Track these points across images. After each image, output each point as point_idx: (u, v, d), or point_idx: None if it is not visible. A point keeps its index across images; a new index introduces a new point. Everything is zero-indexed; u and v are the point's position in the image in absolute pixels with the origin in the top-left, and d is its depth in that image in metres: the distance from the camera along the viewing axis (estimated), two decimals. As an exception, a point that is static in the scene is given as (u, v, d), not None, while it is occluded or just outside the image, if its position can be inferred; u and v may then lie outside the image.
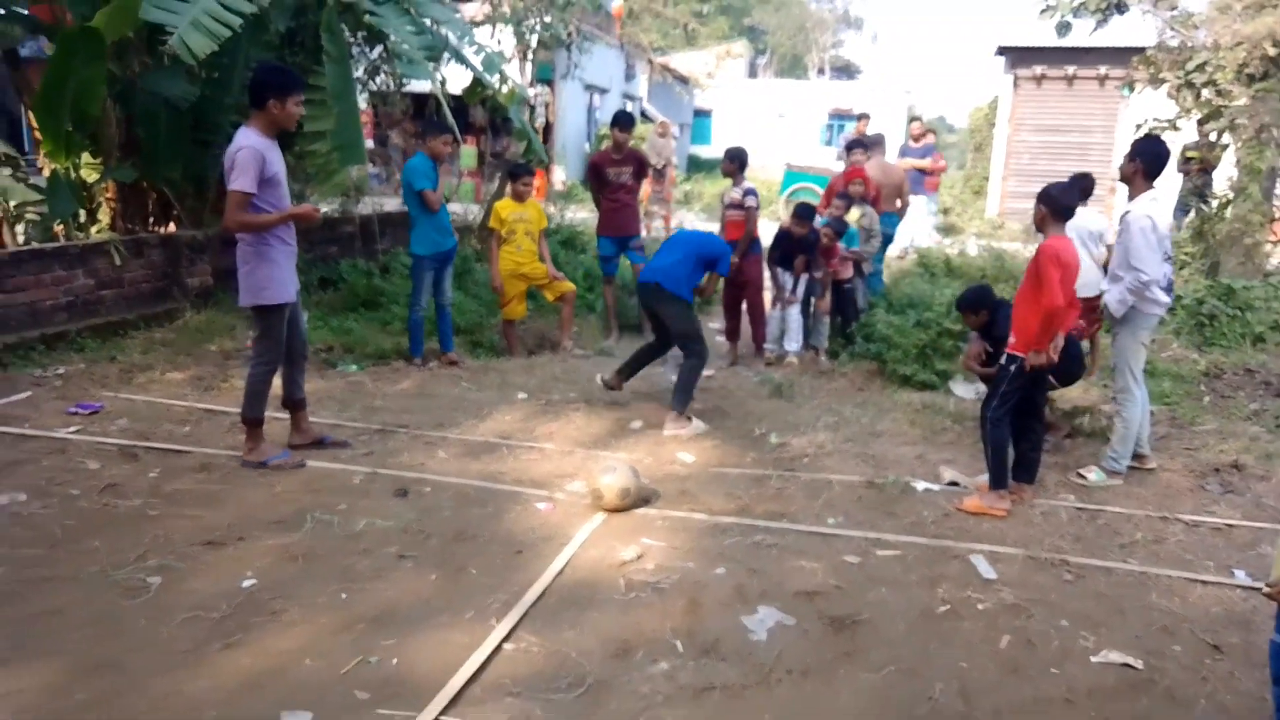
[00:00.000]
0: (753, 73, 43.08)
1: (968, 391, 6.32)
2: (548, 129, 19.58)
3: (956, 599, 3.55)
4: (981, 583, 3.70)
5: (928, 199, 15.04)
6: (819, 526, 4.19)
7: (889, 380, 6.72)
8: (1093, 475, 4.86)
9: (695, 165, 28.33)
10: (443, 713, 2.72)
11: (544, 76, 19.16)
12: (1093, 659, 3.15)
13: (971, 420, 5.68)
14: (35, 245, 7.01)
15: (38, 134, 8.09)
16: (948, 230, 15.77)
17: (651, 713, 2.78)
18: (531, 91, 15.95)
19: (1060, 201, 4.44)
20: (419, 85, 11.58)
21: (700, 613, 3.38)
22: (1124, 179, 4.90)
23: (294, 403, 4.95)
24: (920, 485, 4.71)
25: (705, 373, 6.66)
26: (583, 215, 13.94)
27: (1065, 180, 5.30)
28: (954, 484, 4.75)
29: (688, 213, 18.13)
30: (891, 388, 6.59)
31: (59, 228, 7.83)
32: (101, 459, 4.66)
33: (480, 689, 2.87)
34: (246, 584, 3.44)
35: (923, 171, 13.75)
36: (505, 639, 3.14)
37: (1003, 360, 4.49)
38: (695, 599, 3.47)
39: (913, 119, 15.42)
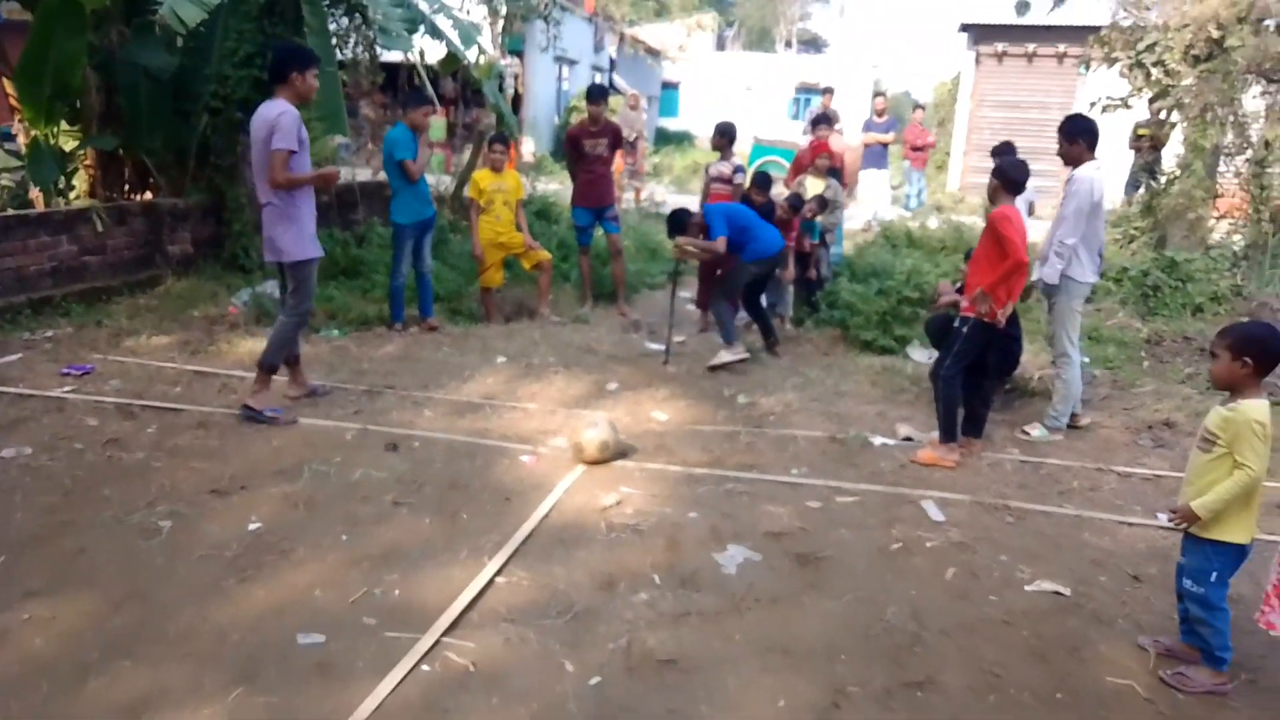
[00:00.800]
0: (721, 45, 43.09)
1: (923, 356, 6.67)
2: (517, 100, 19.65)
3: (909, 538, 3.90)
4: (931, 524, 4.05)
5: (916, 174, 15.36)
6: (785, 476, 4.52)
7: (851, 345, 7.06)
8: (1035, 431, 5.24)
9: (663, 138, 28.47)
10: (444, 635, 3.01)
11: (514, 48, 19.22)
12: (1028, 588, 3.52)
13: (927, 383, 6.04)
14: (20, 212, 7.10)
15: (13, 101, 8.14)
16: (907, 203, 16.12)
17: (634, 635, 3.09)
18: (502, 63, 16.04)
19: (1010, 175, 4.78)
20: (390, 56, 11.71)
21: (677, 551, 3.69)
22: (1069, 161, 5.21)
23: (293, 357, 5.21)
24: (878, 440, 5.06)
25: (677, 339, 6.99)
26: (554, 187, 14.13)
27: (1018, 157, 5.64)
28: (909, 439, 5.11)
29: (657, 185, 18.35)
30: (854, 352, 6.93)
31: (37, 195, 7.92)
32: (100, 416, 4.86)
33: (477, 615, 3.17)
34: (253, 527, 3.70)
35: (884, 145, 14.10)
36: (498, 573, 3.43)
37: (956, 323, 4.83)
38: (672, 539, 3.78)
39: (876, 94, 15.74)
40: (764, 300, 7.18)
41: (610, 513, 4.01)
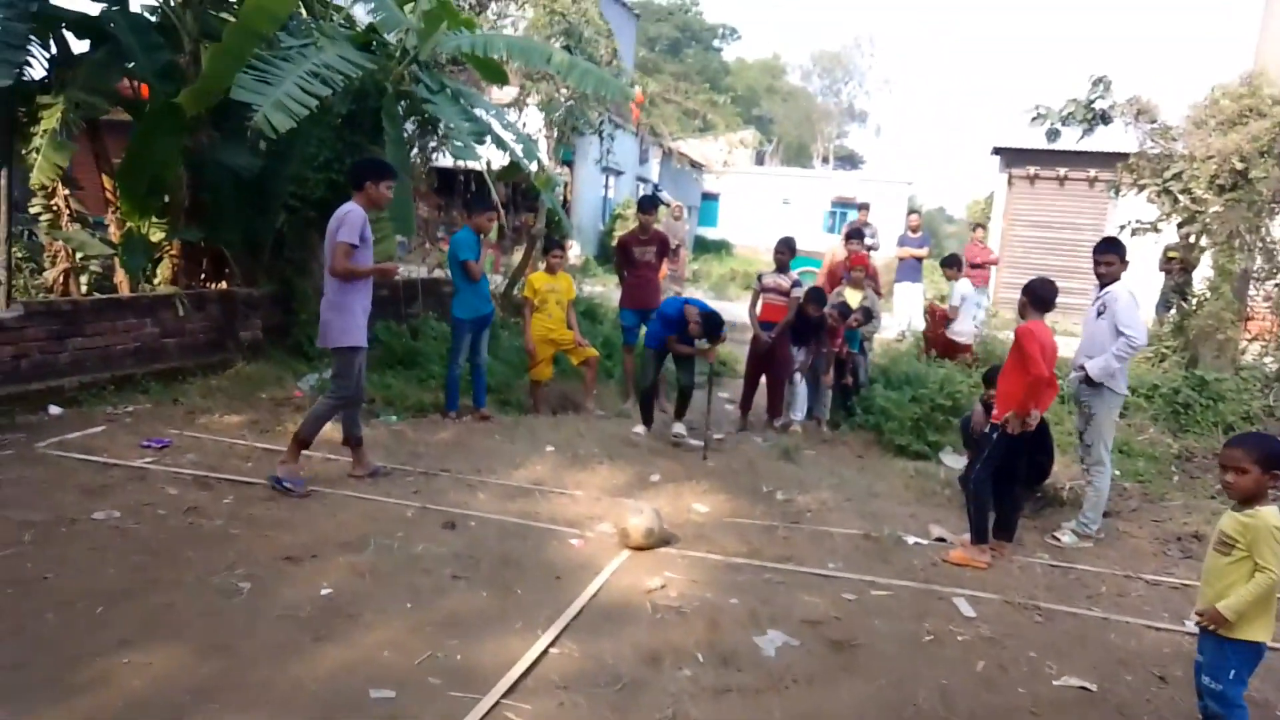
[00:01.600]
0: (760, 160, 44.60)
1: (956, 462, 6.88)
2: (565, 207, 20.56)
3: (940, 631, 4.07)
4: (963, 619, 4.22)
5: (976, 290, 15.35)
6: (821, 569, 4.73)
7: (885, 449, 7.30)
8: (1066, 538, 5.41)
9: (701, 246, 29.33)
10: (503, 697, 3.24)
11: (565, 158, 20.18)
12: (1055, 682, 3.67)
13: (958, 487, 6.25)
14: (112, 296, 7.66)
15: (109, 194, 8.86)
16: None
17: (679, 707, 3.29)
18: (558, 174, 16.93)
19: (1039, 293, 5.11)
20: (443, 161, 12.52)
21: (718, 632, 3.90)
22: (1110, 279, 5.57)
23: (354, 439, 5.59)
24: (911, 539, 5.26)
25: (716, 435, 7.27)
26: (598, 289, 14.68)
27: (1047, 277, 5.96)
28: (941, 539, 5.30)
29: (695, 290, 18.91)
30: (888, 455, 7.17)
31: (120, 280, 8.52)
32: (179, 486, 5.22)
33: (532, 682, 3.39)
34: (325, 592, 3.98)
35: (918, 260, 14.52)
36: (551, 644, 3.66)
37: (986, 429, 5.08)
38: (714, 620, 4.00)
39: (911, 211, 16.28)
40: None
41: (655, 594, 4.24)
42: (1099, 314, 5.57)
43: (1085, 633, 4.18)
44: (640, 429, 7.25)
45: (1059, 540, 5.40)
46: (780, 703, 3.38)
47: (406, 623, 3.76)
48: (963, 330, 10.06)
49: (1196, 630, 3.43)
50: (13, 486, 4.97)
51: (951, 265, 10.64)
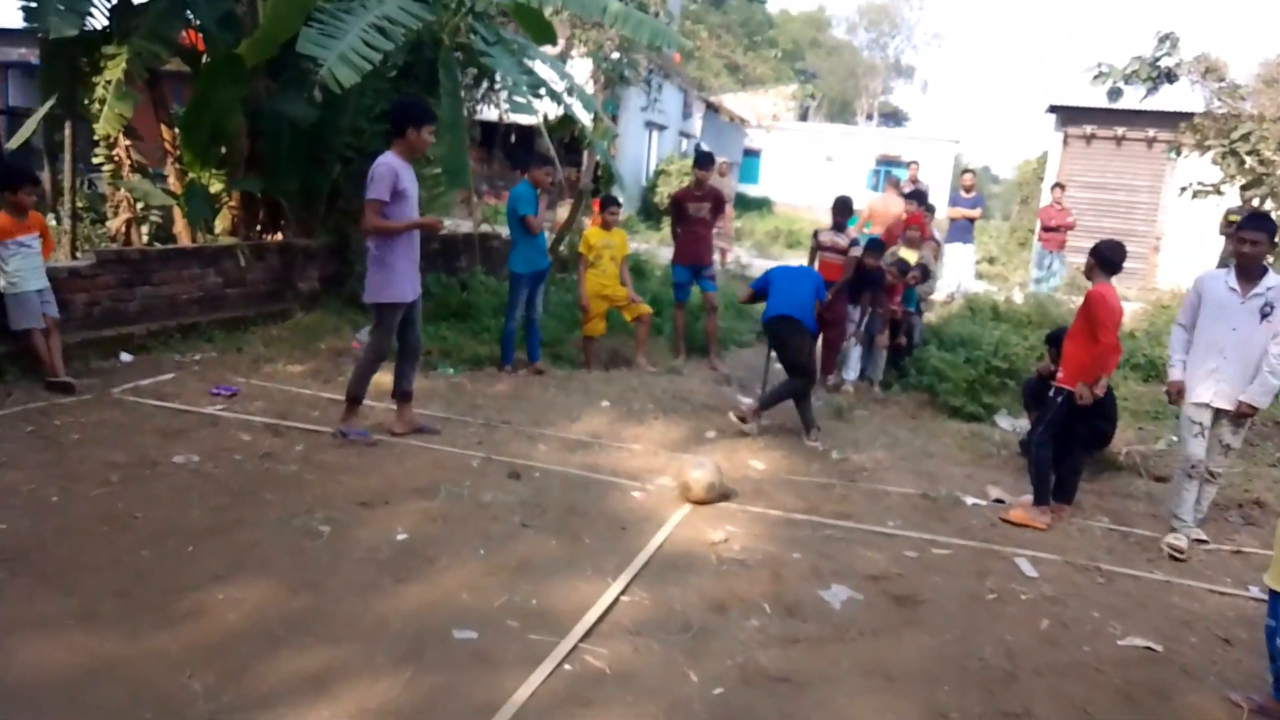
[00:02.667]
0: (803, 115, 43.92)
1: (1010, 424, 6.86)
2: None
3: (1003, 589, 4.12)
4: (1024, 579, 4.26)
5: (1047, 256, 14.86)
6: (879, 526, 4.78)
7: (939, 410, 7.29)
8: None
9: (742, 204, 29.00)
10: (580, 641, 3.34)
11: (609, 111, 20.04)
12: (1119, 642, 3.71)
13: (1014, 449, 6.26)
14: (177, 245, 7.82)
15: (167, 145, 8.99)
16: (992, 278, 16.25)
17: (749, 654, 3.38)
18: (589, 122, 16.84)
19: (1107, 255, 5.04)
20: (487, 114, 12.52)
21: (782, 584, 3.98)
22: (1252, 261, 4.65)
23: (402, 393, 5.64)
24: (969, 500, 5.29)
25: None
26: (642, 246, 14.67)
27: (1115, 239, 5.86)
28: (999, 501, 5.32)
29: (739, 248, 18.81)
30: (941, 417, 7.16)
31: (179, 230, 8.69)
32: (251, 433, 5.38)
33: (606, 627, 3.50)
34: (400, 536, 4.11)
35: (970, 220, 14.31)
36: (622, 592, 3.76)
37: (1050, 393, 5.07)
38: (777, 573, 4.08)
39: (965, 171, 15.96)
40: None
41: (718, 547, 4.33)
42: (1264, 314, 4.59)
43: (1147, 595, 4.21)
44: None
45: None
46: (847, 653, 3.46)
47: (481, 567, 3.87)
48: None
49: (1264, 595, 3.45)
50: (95, 429, 5.16)
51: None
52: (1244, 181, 10.43)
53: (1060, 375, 5.03)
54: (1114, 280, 5.06)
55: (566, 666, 3.17)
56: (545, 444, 5.66)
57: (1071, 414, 5.02)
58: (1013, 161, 29.13)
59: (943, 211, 15.26)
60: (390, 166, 5.18)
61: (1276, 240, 4.76)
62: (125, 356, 6.67)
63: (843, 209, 8.01)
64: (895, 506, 5.12)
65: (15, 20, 7.68)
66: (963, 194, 14.22)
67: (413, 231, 5.39)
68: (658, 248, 14.78)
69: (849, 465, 5.83)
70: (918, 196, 9.63)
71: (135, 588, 3.42)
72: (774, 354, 6.85)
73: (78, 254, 7.93)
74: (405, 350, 5.64)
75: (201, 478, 4.60)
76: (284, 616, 3.31)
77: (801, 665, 3.33)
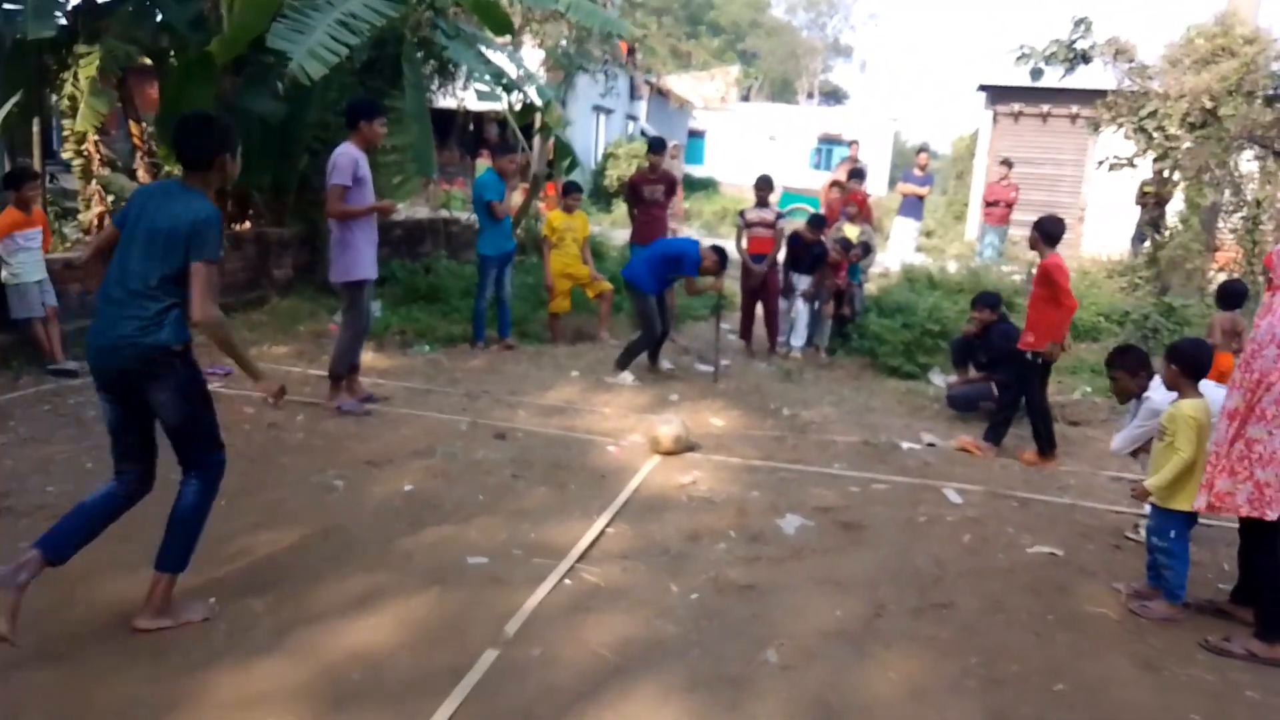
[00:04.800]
0: (745, 96, 44.61)
1: (942, 380, 7.57)
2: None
3: (933, 515, 4.78)
4: (951, 506, 4.94)
5: (989, 230, 15.32)
6: (827, 469, 5.42)
7: (879, 371, 7.99)
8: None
9: (689, 185, 29.52)
10: (576, 563, 3.92)
11: (558, 98, 20.43)
12: (1029, 550, 4.40)
13: (944, 402, 6.97)
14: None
15: (136, 140, 9.28)
16: (929, 250, 17.07)
17: (720, 570, 3.98)
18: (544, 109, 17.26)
19: (1049, 229, 5.76)
20: (442, 103, 12.90)
21: (746, 517, 4.59)
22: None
23: (351, 367, 6.06)
24: (905, 444, 5.96)
25: (724, 362, 7.91)
26: (596, 228, 15.16)
27: (1054, 214, 6.48)
28: (932, 444, 6.00)
29: (686, 228, 19.39)
30: (881, 376, 7.86)
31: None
32: (252, 406, 5.83)
33: (597, 553, 4.07)
34: (407, 489, 4.64)
35: (919, 198, 15.02)
36: (607, 525, 4.34)
37: (1029, 356, 5.79)
38: (740, 508, 4.69)
39: (919, 150, 16.66)
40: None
41: (688, 489, 4.93)
42: None
43: (1055, 515, 4.91)
44: (628, 376, 7.22)
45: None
46: (802, 567, 4.08)
47: (483, 511, 4.42)
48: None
49: (1148, 509, 4.14)
50: (108, 408, 5.55)
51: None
52: (1154, 155, 11.30)
53: (1031, 340, 5.72)
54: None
55: (567, 582, 3.74)
56: (524, 410, 6.20)
57: (1038, 370, 5.75)
58: (949, 138, 30.12)
59: (885, 188, 15.98)
60: (350, 156, 5.64)
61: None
62: (118, 343, 7.02)
63: (764, 185, 8.62)
64: (841, 453, 5.77)
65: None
66: (916, 172, 14.94)
67: (371, 215, 5.86)
68: (610, 229, 15.30)
69: (799, 421, 6.47)
70: (857, 175, 10.29)
71: (185, 535, 3.90)
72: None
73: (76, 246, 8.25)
74: None
75: (217, 447, 5.04)
76: (321, 553, 3.84)
77: (764, 577, 3.94)
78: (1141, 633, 3.66)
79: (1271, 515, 3.45)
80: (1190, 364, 3.86)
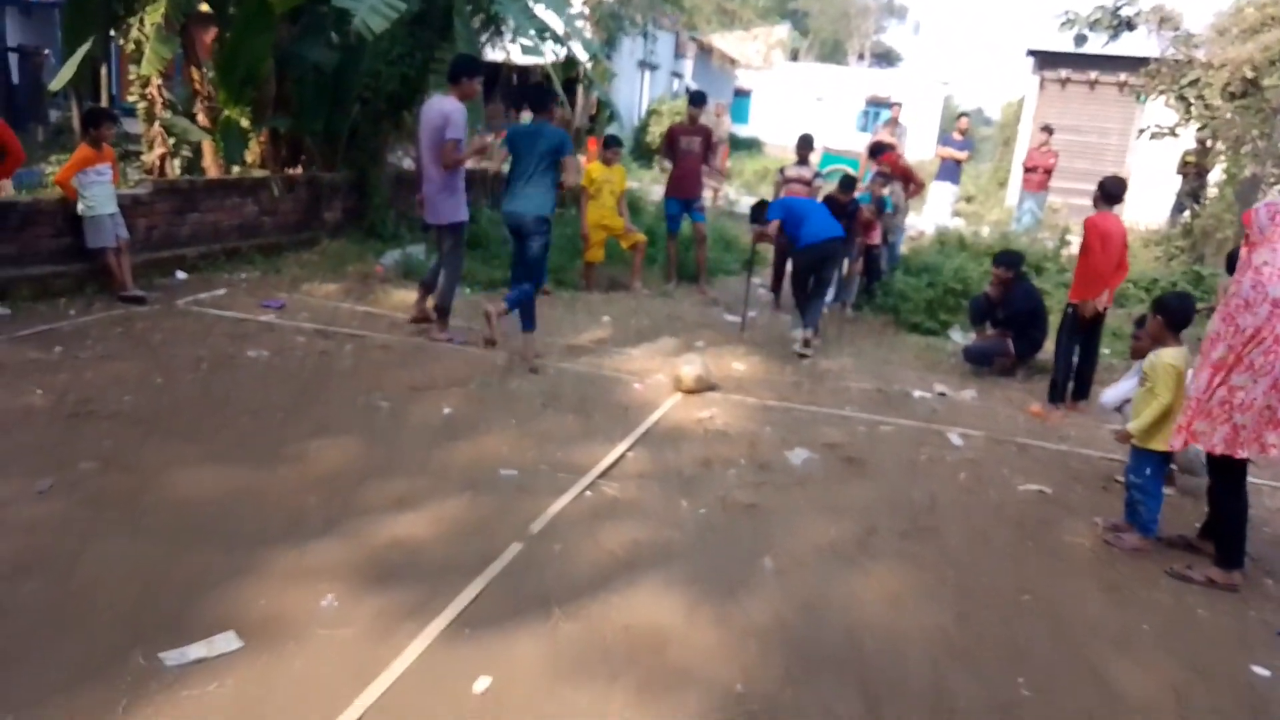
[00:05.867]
0: (794, 56, 44.13)
1: (961, 338, 7.81)
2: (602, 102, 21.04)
3: (933, 455, 5.10)
4: (952, 448, 5.24)
5: (1029, 196, 15.36)
6: (839, 411, 5.74)
7: (901, 327, 8.25)
8: None
9: (734, 144, 29.54)
10: (597, 479, 4.31)
11: (603, 53, 20.58)
12: (1019, 488, 4.70)
13: (960, 357, 7.22)
14: (221, 178, 8.61)
15: (196, 86, 9.70)
16: (969, 216, 17.09)
17: (728, 492, 4.34)
18: (589, 65, 17.45)
19: (1108, 189, 6.00)
20: (491, 55, 13.19)
21: (756, 449, 4.94)
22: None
23: (426, 286, 6.69)
24: (917, 393, 6.25)
25: (751, 313, 8.21)
26: (634, 184, 15.42)
27: (1118, 176, 6.63)
28: (943, 394, 6.28)
29: (729, 187, 19.57)
30: (903, 333, 8.12)
31: (208, 164, 9.44)
32: (304, 336, 6.27)
33: (616, 473, 4.46)
34: (446, 411, 5.05)
35: (958, 162, 15.01)
36: (628, 450, 4.72)
37: (1067, 309, 6.12)
38: (752, 441, 5.04)
39: (960, 114, 16.64)
40: (830, 290, 8.39)
41: (705, 422, 5.28)
42: None
43: (1050, 459, 5.20)
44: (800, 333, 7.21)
45: None
46: (804, 494, 4.43)
47: (515, 433, 4.82)
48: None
49: (1116, 440, 4.43)
50: (174, 333, 6.04)
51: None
52: (1198, 125, 11.29)
53: (1072, 292, 6.02)
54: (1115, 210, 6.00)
55: (588, 493, 4.13)
56: (556, 350, 6.58)
57: (1077, 321, 6.04)
58: (1001, 104, 29.62)
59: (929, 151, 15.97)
60: (463, 109, 6.18)
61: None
62: (180, 275, 7.53)
63: (805, 144, 8.85)
64: (854, 398, 6.08)
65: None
66: (956, 136, 14.94)
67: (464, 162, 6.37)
68: (649, 185, 15.54)
69: (818, 369, 6.78)
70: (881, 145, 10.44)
71: (248, 441, 4.35)
72: (796, 276, 7.42)
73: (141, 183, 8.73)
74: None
75: (273, 369, 5.51)
76: (368, 461, 4.26)
77: (768, 500, 4.30)
78: (1112, 561, 3.97)
79: (1243, 454, 3.72)
80: (1175, 316, 4.12)
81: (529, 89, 7.47)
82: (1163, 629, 3.43)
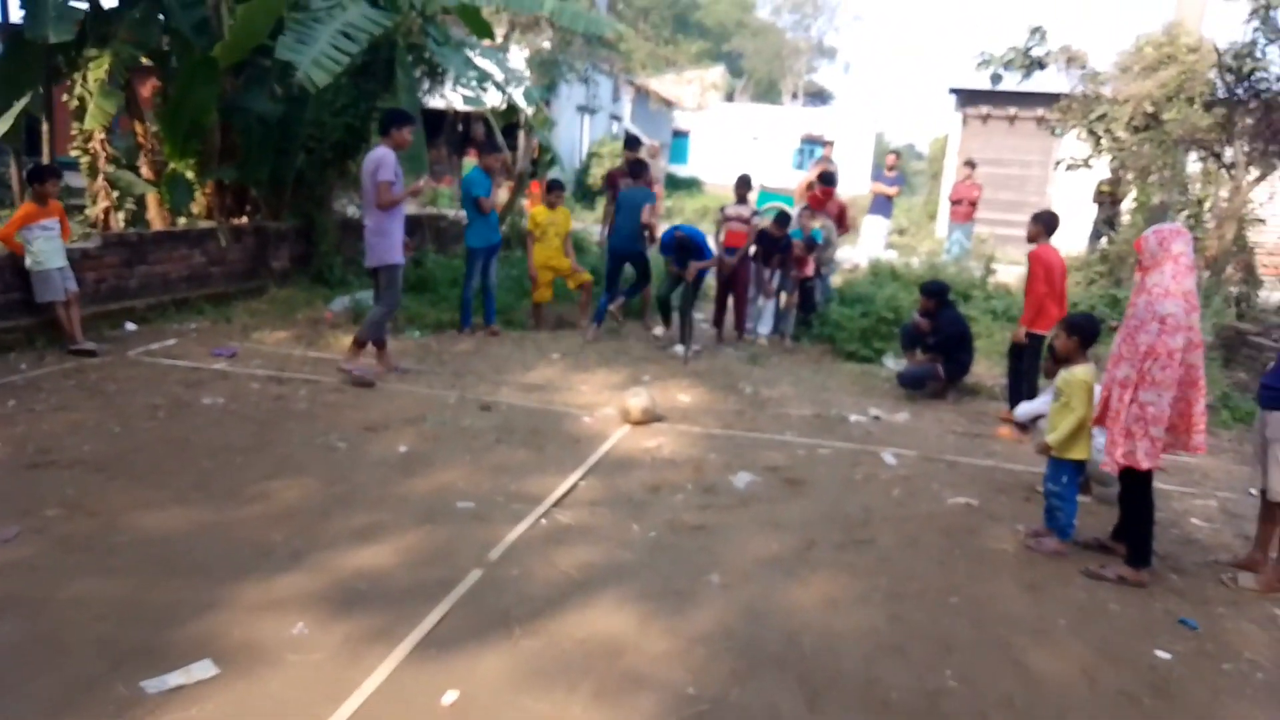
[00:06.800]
0: (729, 96, 45.24)
1: (895, 364, 8.19)
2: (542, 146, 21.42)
3: (868, 474, 5.40)
4: (886, 467, 5.56)
5: (956, 227, 16.01)
6: (780, 436, 6.03)
7: (837, 355, 8.61)
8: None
9: (673, 184, 30.17)
10: (552, 507, 4.51)
11: (543, 97, 21.00)
12: (948, 500, 5.02)
13: (894, 382, 7.59)
14: (168, 229, 8.70)
15: (140, 139, 9.78)
16: (901, 248, 17.72)
17: (675, 514, 4.58)
18: (530, 111, 17.83)
19: (1045, 221, 6.41)
20: (433, 104, 13.49)
21: (702, 474, 5.20)
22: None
23: (381, 343, 6.85)
24: (853, 417, 6.58)
25: (694, 347, 8.51)
26: (579, 225, 15.73)
27: (1051, 210, 7.04)
28: (877, 417, 6.62)
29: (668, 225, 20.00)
30: (839, 360, 8.48)
31: (152, 216, 9.50)
32: (258, 382, 6.39)
33: (569, 501, 4.67)
34: (402, 449, 5.21)
35: (888, 197, 15.62)
36: (580, 479, 4.93)
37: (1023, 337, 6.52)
38: (698, 467, 5.29)
39: (890, 152, 17.33)
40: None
41: (652, 451, 5.53)
42: None
43: (978, 474, 5.54)
44: (660, 330, 8.66)
45: None
46: (748, 513, 4.69)
47: (469, 468, 5.01)
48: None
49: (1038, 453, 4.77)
50: (127, 382, 6.13)
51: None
52: (1110, 156, 11.98)
53: (1026, 320, 6.46)
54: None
55: (543, 522, 4.34)
56: (507, 387, 6.79)
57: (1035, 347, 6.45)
58: (930, 140, 30.77)
59: (867, 187, 16.58)
60: (393, 155, 6.50)
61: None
62: (130, 326, 7.59)
63: (743, 184, 9.24)
64: (794, 424, 6.38)
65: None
66: (887, 173, 15.59)
67: (403, 205, 6.65)
68: (593, 226, 15.86)
69: (759, 397, 7.08)
70: (826, 178, 10.90)
71: (209, 483, 4.48)
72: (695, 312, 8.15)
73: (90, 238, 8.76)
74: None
75: (230, 414, 5.63)
76: (329, 497, 4.42)
77: (714, 520, 4.55)
78: (1032, 563, 4.29)
79: (1160, 464, 4.07)
80: (1084, 335, 4.49)
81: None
82: (1077, 621, 3.73)
